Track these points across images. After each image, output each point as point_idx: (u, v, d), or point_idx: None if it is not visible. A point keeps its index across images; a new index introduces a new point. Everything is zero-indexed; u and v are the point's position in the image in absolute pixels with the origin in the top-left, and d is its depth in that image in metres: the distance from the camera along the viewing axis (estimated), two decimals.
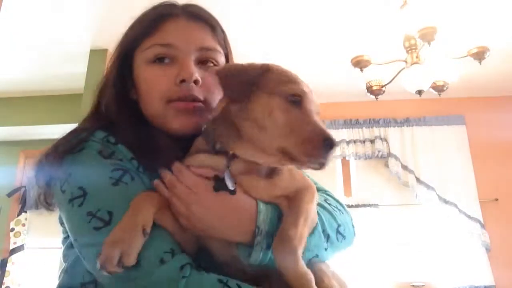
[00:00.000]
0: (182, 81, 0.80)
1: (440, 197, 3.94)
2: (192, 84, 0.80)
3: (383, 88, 2.92)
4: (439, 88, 2.80)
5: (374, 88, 2.90)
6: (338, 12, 3.02)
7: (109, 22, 3.06)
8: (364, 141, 4.18)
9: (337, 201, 0.90)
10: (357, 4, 2.92)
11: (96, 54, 3.34)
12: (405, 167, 4.04)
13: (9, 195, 4.09)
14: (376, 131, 4.18)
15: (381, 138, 4.15)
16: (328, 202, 0.85)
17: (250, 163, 0.72)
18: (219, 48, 0.87)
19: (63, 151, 0.76)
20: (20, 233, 4.00)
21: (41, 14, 2.99)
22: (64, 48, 3.39)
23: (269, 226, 0.69)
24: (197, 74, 0.80)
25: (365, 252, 3.87)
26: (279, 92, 0.70)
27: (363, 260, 3.85)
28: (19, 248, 3.96)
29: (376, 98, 2.97)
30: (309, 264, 0.71)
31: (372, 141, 4.17)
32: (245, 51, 3.88)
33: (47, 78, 3.80)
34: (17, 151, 4.24)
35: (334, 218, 0.81)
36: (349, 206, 4.04)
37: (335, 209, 0.84)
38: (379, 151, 4.13)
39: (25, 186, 4.13)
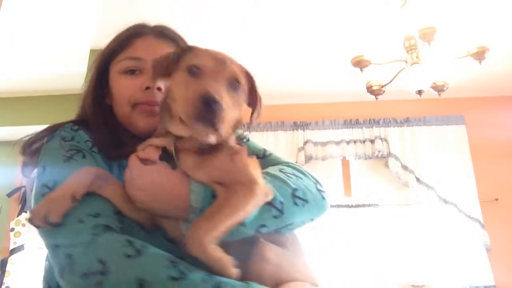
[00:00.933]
0: (147, 88, 0.92)
1: (440, 197, 3.94)
2: (156, 90, 0.92)
3: (383, 88, 2.92)
4: (439, 88, 2.80)
5: (374, 88, 2.89)
6: (338, 12, 3.02)
7: (109, 22, 3.06)
8: (364, 141, 4.18)
9: (297, 169, 0.90)
10: (357, 4, 2.92)
11: (96, 54, 3.33)
12: (405, 167, 4.04)
13: (9, 195, 4.09)
14: (376, 131, 4.18)
15: (381, 138, 4.15)
16: (283, 171, 0.86)
17: (190, 141, 0.77)
18: None
19: (37, 144, 0.92)
20: (20, 233, 4.00)
21: (41, 14, 2.99)
22: (64, 48, 3.39)
23: (203, 204, 0.73)
24: (160, 82, 0.92)
25: (365, 252, 3.88)
26: (183, 66, 0.77)
27: (363, 260, 3.85)
28: (19, 248, 3.95)
29: (376, 98, 2.97)
30: (254, 239, 0.75)
31: (372, 141, 4.17)
32: (245, 51, 3.89)
33: (47, 78, 3.80)
34: (17, 151, 4.23)
35: (287, 184, 0.82)
36: (349, 206, 4.06)
37: (290, 176, 0.85)
38: (379, 151, 4.13)
39: (25, 186, 4.13)
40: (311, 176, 0.91)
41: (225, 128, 0.72)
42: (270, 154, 0.99)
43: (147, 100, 0.92)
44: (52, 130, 0.92)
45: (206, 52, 0.79)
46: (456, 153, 4.10)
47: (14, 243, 3.96)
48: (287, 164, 0.92)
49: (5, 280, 3.81)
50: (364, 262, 3.85)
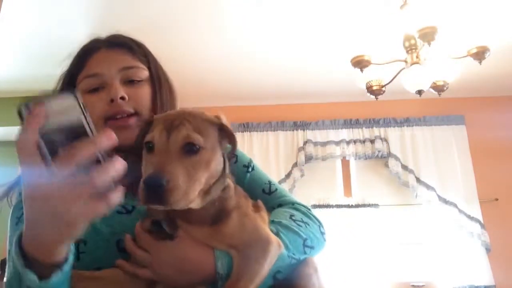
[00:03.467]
0: (111, 100, 0.91)
1: (440, 197, 3.94)
2: (120, 101, 0.91)
3: (383, 88, 2.92)
4: (439, 88, 2.80)
5: (374, 88, 2.89)
6: (338, 12, 3.02)
7: (109, 22, 3.06)
8: (364, 141, 4.18)
9: (304, 212, 0.93)
10: (357, 4, 2.92)
11: None
12: (405, 167, 4.04)
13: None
14: (376, 131, 4.18)
15: (381, 138, 4.15)
16: (294, 218, 0.89)
17: (188, 210, 0.75)
18: (140, 64, 0.98)
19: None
20: None
21: (41, 14, 2.99)
22: (63, 48, 3.38)
23: (227, 270, 0.75)
24: (122, 91, 0.91)
25: (365, 252, 3.88)
26: (144, 143, 0.76)
27: (363, 260, 3.85)
28: None
29: (376, 98, 2.97)
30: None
31: (372, 141, 4.17)
32: (245, 52, 3.89)
33: (47, 78, 3.79)
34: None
35: (299, 235, 0.86)
36: (349, 206, 4.06)
37: (300, 224, 0.88)
38: (379, 151, 4.13)
39: None
40: (316, 218, 0.95)
41: (185, 196, 0.67)
42: (276, 189, 0.99)
43: (114, 112, 0.91)
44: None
45: (160, 122, 0.74)
46: (456, 153, 4.10)
47: None
48: (294, 207, 0.95)
49: (5, 280, 3.81)
50: (364, 262, 3.85)
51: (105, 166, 0.54)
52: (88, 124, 0.55)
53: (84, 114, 0.55)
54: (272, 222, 0.85)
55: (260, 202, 0.89)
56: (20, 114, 0.54)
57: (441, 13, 2.73)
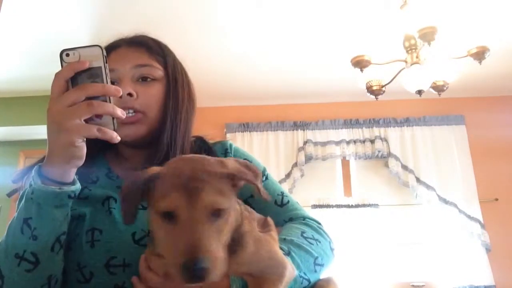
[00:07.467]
0: (120, 96, 0.89)
1: (440, 197, 3.94)
2: (127, 97, 0.91)
3: (383, 88, 2.92)
4: (439, 88, 2.80)
5: (374, 88, 2.89)
6: (338, 12, 3.02)
7: (109, 22, 3.06)
8: (364, 141, 4.18)
9: (315, 228, 0.93)
10: (357, 4, 2.93)
11: None
12: (405, 167, 4.04)
13: (9, 195, 4.08)
14: (376, 131, 4.18)
15: (381, 138, 4.15)
16: (305, 235, 0.89)
17: None
18: (155, 63, 0.97)
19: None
20: None
21: (41, 14, 2.99)
22: (64, 48, 3.39)
23: None
24: (129, 88, 0.92)
25: (365, 252, 3.88)
26: (156, 208, 0.66)
27: (363, 260, 3.86)
28: None
29: (376, 98, 2.97)
30: None
31: (372, 141, 4.17)
32: (245, 52, 3.88)
33: (47, 78, 3.79)
34: (17, 151, 4.24)
35: (310, 254, 0.86)
36: (349, 206, 4.06)
37: (311, 241, 0.88)
38: (379, 151, 4.13)
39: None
40: (326, 234, 0.94)
41: (223, 266, 0.63)
42: (288, 201, 0.98)
43: (122, 108, 0.87)
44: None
45: (173, 185, 0.65)
46: (456, 153, 4.10)
47: None
48: (305, 222, 0.94)
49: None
50: (364, 262, 3.85)
51: (106, 103, 0.70)
52: (106, 73, 0.72)
53: (104, 64, 0.71)
54: (283, 240, 0.84)
55: (270, 220, 0.86)
56: (61, 58, 0.72)
57: (441, 13, 2.74)
